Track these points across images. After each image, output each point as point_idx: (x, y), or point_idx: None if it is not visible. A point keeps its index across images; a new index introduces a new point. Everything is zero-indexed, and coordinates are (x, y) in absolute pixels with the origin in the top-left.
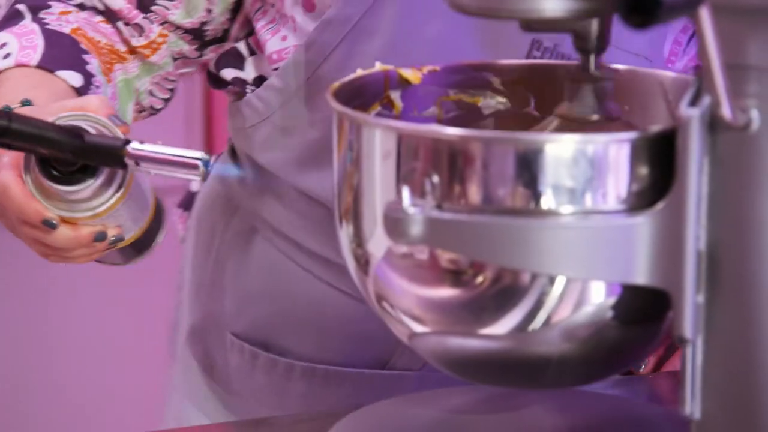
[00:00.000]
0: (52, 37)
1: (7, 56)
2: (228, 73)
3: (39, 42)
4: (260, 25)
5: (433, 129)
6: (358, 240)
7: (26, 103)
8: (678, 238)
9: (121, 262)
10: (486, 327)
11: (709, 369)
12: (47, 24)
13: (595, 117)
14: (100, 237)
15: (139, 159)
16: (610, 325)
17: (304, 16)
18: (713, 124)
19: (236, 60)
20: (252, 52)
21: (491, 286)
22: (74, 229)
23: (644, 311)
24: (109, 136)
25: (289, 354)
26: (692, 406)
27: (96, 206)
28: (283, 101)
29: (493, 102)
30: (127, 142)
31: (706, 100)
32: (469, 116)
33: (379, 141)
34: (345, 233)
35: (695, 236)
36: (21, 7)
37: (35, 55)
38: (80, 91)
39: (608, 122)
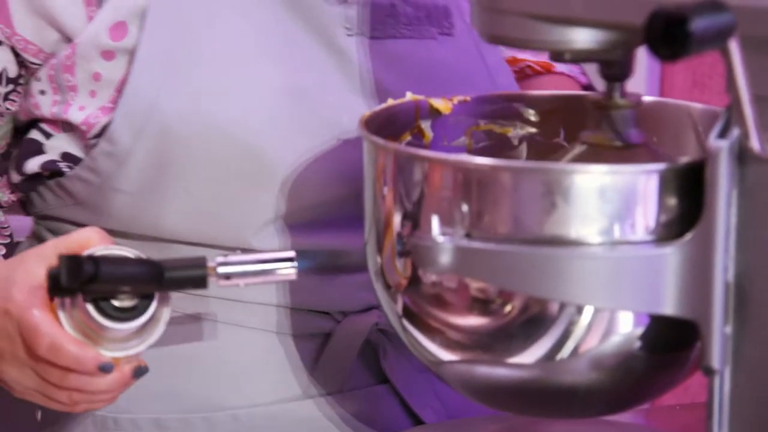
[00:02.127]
0: None
1: None
2: (33, 164)
3: None
4: (46, 111)
5: (462, 158)
6: (389, 267)
7: None
8: (706, 269)
9: None
10: (514, 356)
11: (736, 400)
12: None
13: (618, 143)
14: (140, 372)
15: (228, 275)
16: (638, 356)
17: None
18: (742, 155)
19: (33, 147)
20: (48, 136)
21: (519, 315)
22: (118, 369)
23: (672, 342)
24: (187, 259)
25: None
26: None
27: (147, 339)
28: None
29: (523, 133)
30: (205, 259)
31: (735, 132)
32: (499, 146)
33: (409, 171)
34: (374, 261)
35: (723, 267)
36: None
37: None
38: None
39: (632, 148)
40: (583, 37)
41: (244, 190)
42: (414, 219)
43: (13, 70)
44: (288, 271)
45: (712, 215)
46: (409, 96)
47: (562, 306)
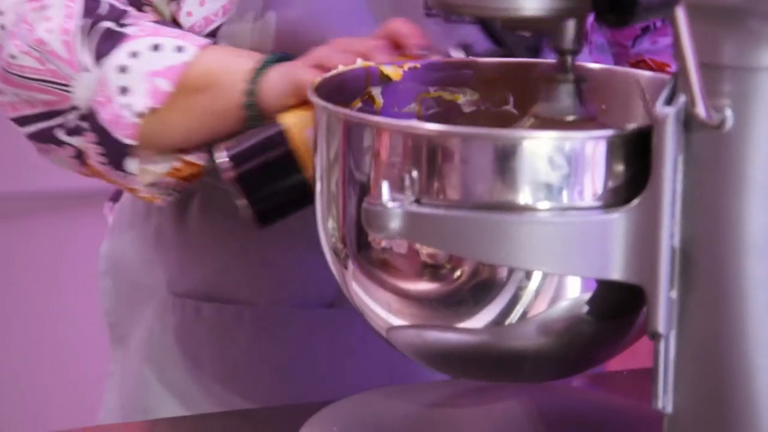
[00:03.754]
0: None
1: (180, 49)
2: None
3: (176, 30)
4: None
5: (411, 124)
6: (338, 234)
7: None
8: (652, 234)
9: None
10: (463, 321)
11: (681, 364)
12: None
13: (570, 117)
14: None
15: None
16: (586, 320)
17: None
18: (688, 122)
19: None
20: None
21: (469, 281)
22: None
23: (619, 306)
24: None
25: (234, 301)
26: (664, 401)
27: None
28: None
29: (472, 99)
30: None
31: (681, 99)
32: (448, 113)
33: (359, 136)
34: (325, 227)
35: (669, 233)
36: (109, 24)
37: (196, 37)
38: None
39: (584, 122)
40: (532, 4)
41: None
42: (364, 185)
43: None
44: None
45: (659, 181)
46: (360, 63)
47: (511, 271)
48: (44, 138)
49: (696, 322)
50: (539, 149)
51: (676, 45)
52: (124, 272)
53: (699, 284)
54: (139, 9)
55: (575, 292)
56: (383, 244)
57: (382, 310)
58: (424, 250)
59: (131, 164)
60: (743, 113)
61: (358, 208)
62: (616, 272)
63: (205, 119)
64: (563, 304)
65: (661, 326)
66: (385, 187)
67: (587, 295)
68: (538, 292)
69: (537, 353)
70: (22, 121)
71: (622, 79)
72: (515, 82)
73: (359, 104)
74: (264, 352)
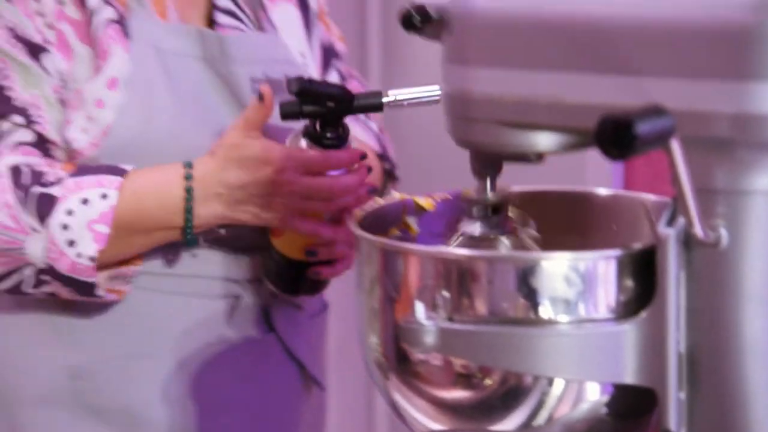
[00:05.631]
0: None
1: (104, 196)
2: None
3: (92, 177)
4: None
5: (441, 251)
6: (380, 349)
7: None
8: (660, 342)
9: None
10: (495, 424)
11: None
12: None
13: (490, 235)
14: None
15: (397, 102)
16: (605, 420)
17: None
18: (688, 241)
19: None
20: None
21: (498, 388)
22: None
23: (634, 407)
24: (370, 92)
25: None
26: None
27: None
28: None
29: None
30: (381, 92)
31: (681, 221)
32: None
33: (395, 262)
34: (367, 343)
35: (676, 341)
36: (38, 189)
37: (111, 178)
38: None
39: (504, 237)
40: (545, 141)
41: None
42: (402, 305)
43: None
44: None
45: (664, 295)
46: (396, 195)
47: (536, 379)
48: (17, 292)
49: (704, 420)
50: (556, 269)
51: (673, 173)
52: None
53: (705, 386)
54: (47, 153)
55: (594, 396)
56: (420, 357)
57: (422, 416)
58: (457, 362)
59: (99, 290)
60: (736, 232)
61: (397, 326)
62: (629, 377)
63: (149, 241)
64: (584, 407)
65: (672, 424)
66: (419, 306)
67: (605, 398)
68: (561, 397)
69: None
70: None
71: (629, 203)
72: (533, 209)
73: (397, 233)
74: None
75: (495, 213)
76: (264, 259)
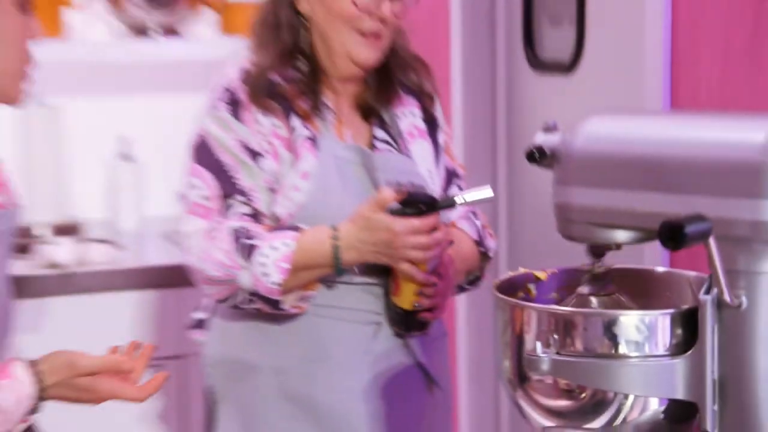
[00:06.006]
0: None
1: (286, 244)
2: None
3: (278, 233)
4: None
5: (552, 308)
6: (510, 372)
7: (334, 228)
8: (701, 371)
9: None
10: (588, 423)
11: None
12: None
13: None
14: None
15: (466, 202)
16: (662, 423)
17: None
18: (719, 304)
19: None
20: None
21: (590, 400)
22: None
23: (682, 414)
24: (447, 197)
25: None
26: None
27: None
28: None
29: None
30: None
31: (715, 290)
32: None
33: (520, 315)
34: (503, 367)
35: (711, 370)
36: (244, 241)
37: (289, 233)
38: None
39: (610, 295)
40: (622, 236)
41: None
42: (526, 343)
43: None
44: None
45: (703, 340)
46: (521, 270)
47: (615, 394)
48: (235, 307)
49: (729, 423)
50: (630, 321)
51: (710, 259)
52: None
53: (731, 402)
54: (259, 221)
55: (655, 406)
56: (537, 378)
57: (539, 417)
58: (562, 382)
59: (284, 305)
60: (753, 299)
61: (522, 357)
62: (679, 394)
63: (314, 275)
64: (648, 413)
65: (709, 427)
66: (538, 344)
67: (663, 408)
68: (632, 406)
69: None
70: (223, 300)
71: (678, 278)
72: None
73: (522, 294)
74: None
75: (599, 280)
76: (387, 311)
